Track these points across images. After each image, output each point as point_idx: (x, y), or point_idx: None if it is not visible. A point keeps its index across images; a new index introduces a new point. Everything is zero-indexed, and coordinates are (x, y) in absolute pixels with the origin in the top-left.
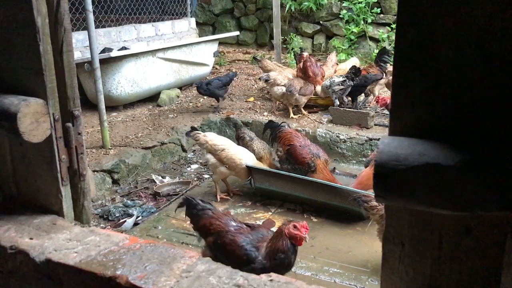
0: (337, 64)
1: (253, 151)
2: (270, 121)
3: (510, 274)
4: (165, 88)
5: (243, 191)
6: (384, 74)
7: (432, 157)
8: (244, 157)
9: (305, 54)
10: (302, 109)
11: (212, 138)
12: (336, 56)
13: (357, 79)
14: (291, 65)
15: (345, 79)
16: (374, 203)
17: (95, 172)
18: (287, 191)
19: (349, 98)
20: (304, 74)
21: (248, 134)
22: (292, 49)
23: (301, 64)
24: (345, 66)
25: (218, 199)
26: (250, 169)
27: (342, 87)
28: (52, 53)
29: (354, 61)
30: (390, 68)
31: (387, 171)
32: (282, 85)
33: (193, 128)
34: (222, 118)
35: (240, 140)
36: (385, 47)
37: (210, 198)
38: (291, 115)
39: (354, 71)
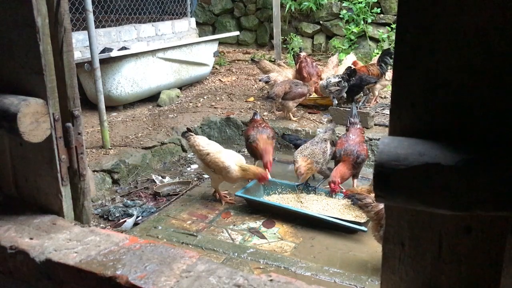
0: (338, 65)
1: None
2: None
3: (510, 274)
4: (165, 88)
5: None
6: (384, 75)
7: (432, 157)
8: (228, 160)
9: (302, 54)
10: (290, 114)
11: (199, 142)
12: (338, 58)
13: (353, 79)
14: (290, 64)
15: (340, 79)
16: (368, 200)
17: (95, 172)
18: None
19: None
20: (300, 74)
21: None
22: (292, 49)
23: (297, 65)
24: (344, 66)
25: (223, 204)
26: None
27: (337, 88)
28: (52, 53)
29: (351, 58)
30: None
31: (387, 171)
32: None
33: (189, 129)
34: (222, 118)
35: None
36: (389, 48)
37: (210, 199)
38: (291, 117)
39: (349, 72)
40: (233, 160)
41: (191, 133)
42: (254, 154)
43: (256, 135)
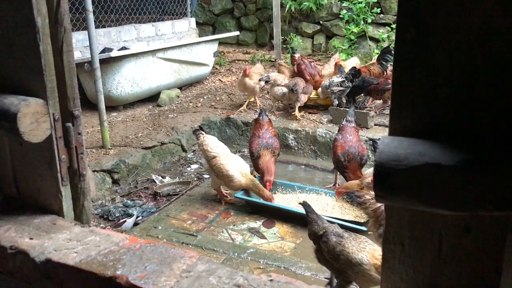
0: (339, 63)
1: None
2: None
3: (510, 274)
4: (165, 88)
5: None
6: (385, 73)
7: (432, 157)
8: (232, 169)
9: (297, 56)
10: (297, 110)
11: (208, 143)
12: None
13: (356, 81)
14: (290, 64)
15: (344, 79)
16: (367, 197)
17: (95, 172)
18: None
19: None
20: (302, 77)
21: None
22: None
23: (295, 67)
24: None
25: (223, 204)
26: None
27: (340, 88)
28: (52, 53)
29: (355, 61)
30: (390, 68)
31: (387, 171)
32: (282, 85)
33: (201, 128)
34: (222, 118)
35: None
36: (388, 45)
37: (210, 199)
38: (298, 116)
39: (354, 72)
40: (238, 169)
41: (201, 132)
42: (256, 170)
43: (260, 151)
